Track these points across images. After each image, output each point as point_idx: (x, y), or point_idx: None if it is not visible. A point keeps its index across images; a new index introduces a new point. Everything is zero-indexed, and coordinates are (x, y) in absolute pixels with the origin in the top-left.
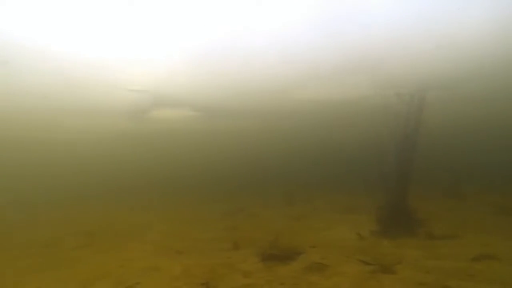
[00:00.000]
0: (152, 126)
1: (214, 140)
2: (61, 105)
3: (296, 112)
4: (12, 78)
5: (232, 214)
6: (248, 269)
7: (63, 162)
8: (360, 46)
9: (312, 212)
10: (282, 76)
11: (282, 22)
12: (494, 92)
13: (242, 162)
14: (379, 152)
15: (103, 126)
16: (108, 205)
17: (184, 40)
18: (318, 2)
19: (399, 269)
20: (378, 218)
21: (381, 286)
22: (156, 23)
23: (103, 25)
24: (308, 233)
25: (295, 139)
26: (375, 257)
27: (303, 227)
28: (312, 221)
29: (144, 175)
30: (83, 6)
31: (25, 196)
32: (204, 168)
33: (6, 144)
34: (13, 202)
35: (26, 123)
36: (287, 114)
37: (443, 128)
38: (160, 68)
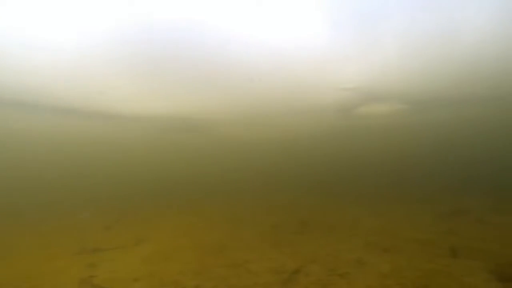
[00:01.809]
0: (361, 122)
1: (424, 133)
2: (280, 107)
3: None
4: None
5: (448, 216)
6: (478, 286)
7: (281, 159)
8: None
9: None
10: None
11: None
12: None
13: (458, 156)
14: None
15: (316, 124)
16: (319, 197)
17: (392, 33)
18: None
19: None
20: None
21: None
22: (368, 21)
23: (310, 28)
24: None
25: None
26: None
27: None
28: None
29: (354, 169)
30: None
31: (257, 184)
32: (417, 164)
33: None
34: (250, 188)
35: (252, 125)
36: None
37: None
38: (371, 64)
